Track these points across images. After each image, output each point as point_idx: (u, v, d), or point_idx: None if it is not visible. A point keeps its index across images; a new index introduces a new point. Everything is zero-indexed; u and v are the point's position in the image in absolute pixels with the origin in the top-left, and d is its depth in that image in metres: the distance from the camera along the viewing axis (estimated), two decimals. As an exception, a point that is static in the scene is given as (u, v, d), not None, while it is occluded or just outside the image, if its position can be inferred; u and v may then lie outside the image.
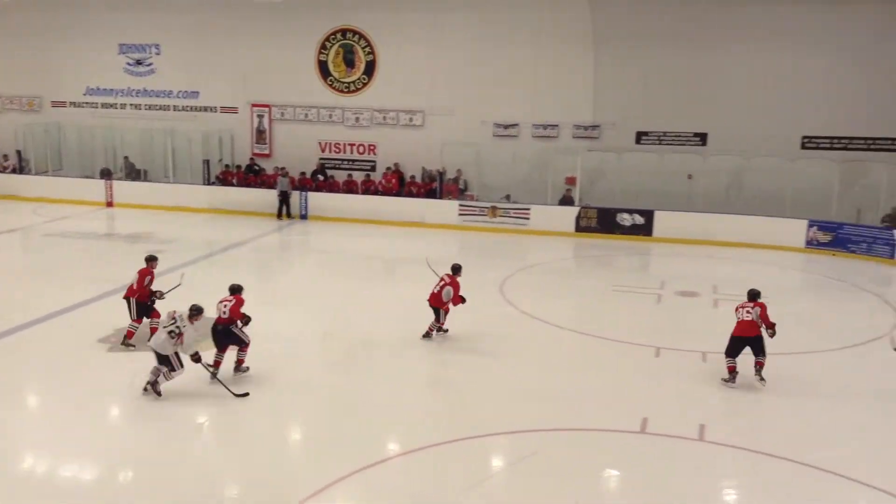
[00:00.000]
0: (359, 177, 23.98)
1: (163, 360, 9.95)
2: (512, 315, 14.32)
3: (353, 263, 18.48)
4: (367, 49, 23.96)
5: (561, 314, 14.22)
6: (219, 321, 10.62)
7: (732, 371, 10.91)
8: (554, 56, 22.47)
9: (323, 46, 24.29)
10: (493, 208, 21.58)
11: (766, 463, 8.86)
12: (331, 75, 24.43)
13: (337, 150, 24.70)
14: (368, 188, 23.48)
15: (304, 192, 23.16)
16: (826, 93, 20.70)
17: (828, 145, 20.99)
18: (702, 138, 21.89)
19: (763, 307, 10.95)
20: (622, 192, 21.11)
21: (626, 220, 20.71)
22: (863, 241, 18.54)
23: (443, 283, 12.43)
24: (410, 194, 22.89)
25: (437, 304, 12.48)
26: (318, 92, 24.50)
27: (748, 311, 10.94)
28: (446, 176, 22.95)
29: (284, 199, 22.97)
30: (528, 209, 21.30)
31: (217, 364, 10.64)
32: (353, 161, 24.62)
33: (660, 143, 22.17)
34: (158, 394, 9.98)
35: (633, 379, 11.28)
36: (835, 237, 18.87)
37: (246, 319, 10.73)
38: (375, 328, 13.32)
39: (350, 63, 24.20)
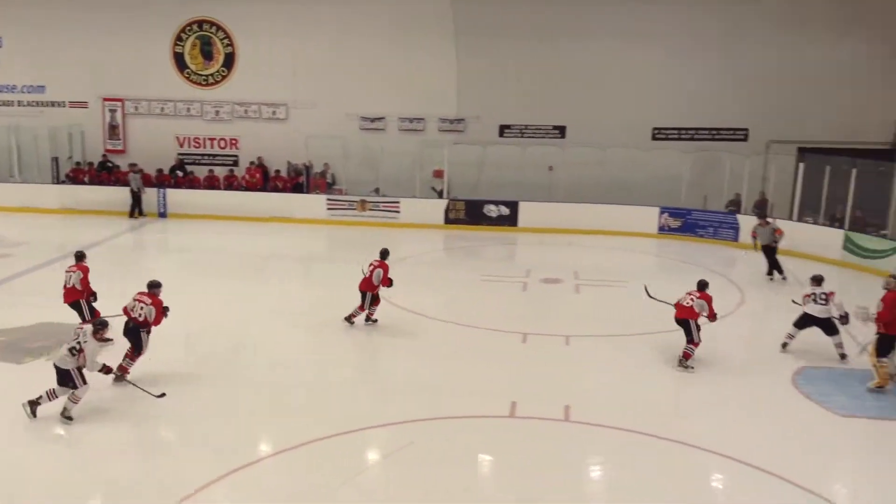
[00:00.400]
0: (221, 172, 23.28)
1: (63, 376, 9.23)
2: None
3: (217, 262, 17.93)
4: (226, 41, 23.27)
5: (432, 305, 14.38)
6: (134, 321, 10.29)
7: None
8: (417, 49, 22.64)
9: (179, 38, 23.40)
10: (363, 202, 21.53)
11: (631, 439, 9.31)
12: (188, 68, 23.57)
13: (197, 145, 23.88)
14: (231, 184, 22.85)
15: (162, 190, 22.26)
16: (674, 87, 21.93)
17: (676, 136, 22.28)
18: (561, 131, 22.68)
19: (709, 300, 11.49)
20: (488, 184, 21.57)
21: (492, 211, 21.16)
22: (709, 226, 19.78)
23: (372, 267, 12.66)
24: (276, 189, 22.47)
25: (367, 289, 12.67)
26: (174, 85, 23.57)
27: (691, 299, 11.51)
28: (313, 170, 22.68)
29: (136, 196, 21.98)
30: (397, 202, 21.39)
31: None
32: (215, 156, 23.87)
33: (522, 136, 22.79)
34: (34, 415, 9.27)
35: (503, 365, 11.57)
36: (684, 223, 20.04)
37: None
38: (243, 327, 13.02)
39: (208, 55, 23.44)
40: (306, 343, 12.39)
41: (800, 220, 18.84)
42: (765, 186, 20.15)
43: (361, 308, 12.86)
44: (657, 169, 21.08)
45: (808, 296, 12.06)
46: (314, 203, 21.78)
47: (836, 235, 17.64)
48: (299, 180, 22.60)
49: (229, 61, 23.37)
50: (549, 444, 9.15)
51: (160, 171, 23.08)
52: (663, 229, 20.25)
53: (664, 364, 11.84)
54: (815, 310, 11.92)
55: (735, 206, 20.10)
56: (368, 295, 12.82)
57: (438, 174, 21.97)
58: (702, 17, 21.54)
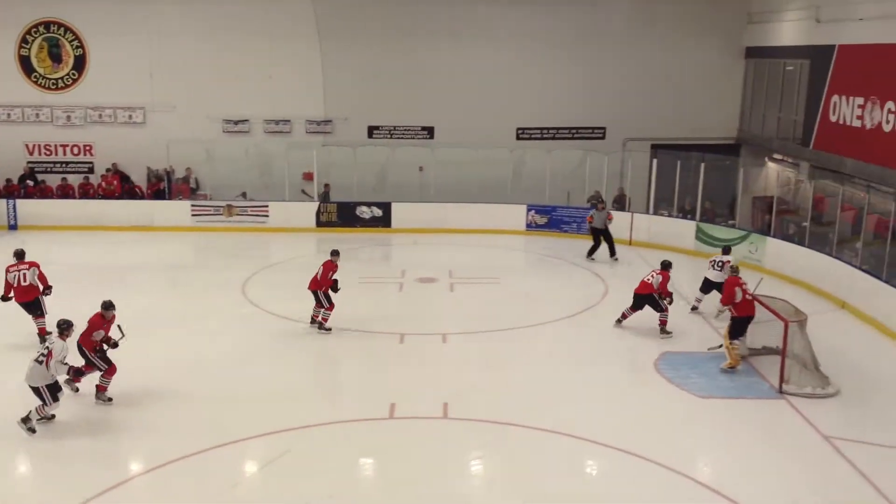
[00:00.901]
0: (75, 180, 22.02)
1: (35, 392, 9.18)
2: (256, 315, 14.06)
3: (71, 275, 16.94)
4: (76, 42, 22.04)
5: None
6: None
7: (624, 317, 13.23)
8: (281, 50, 22.25)
9: (24, 40, 21.95)
10: (229, 207, 20.94)
11: (507, 431, 9.58)
12: (35, 71, 22.16)
13: (48, 153, 22.49)
14: (87, 192, 21.68)
15: (10, 201, 20.84)
16: (536, 87, 22.61)
17: (539, 136, 23.00)
18: (429, 131, 22.93)
19: (665, 277, 12.91)
20: (360, 185, 21.49)
21: (365, 213, 21.11)
22: (574, 222, 20.54)
23: (324, 268, 12.84)
24: (135, 196, 21.51)
25: (315, 287, 12.84)
26: (20, 90, 22.08)
27: (652, 276, 12.94)
28: (175, 175, 21.86)
29: (-22, 209, 20.48)
30: (266, 206, 20.94)
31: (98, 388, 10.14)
32: (68, 163, 22.56)
33: (391, 137, 22.86)
34: (32, 430, 9.18)
35: (381, 367, 11.61)
36: (550, 219, 20.71)
37: (108, 340, 10.20)
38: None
39: (56, 58, 22.12)
40: (174, 355, 11.94)
41: (655, 212, 19.87)
42: (623, 182, 21.11)
43: (320, 306, 12.92)
44: (523, 167, 21.71)
45: (710, 262, 14.18)
46: (177, 210, 20.99)
47: (688, 226, 18.73)
48: (160, 186, 21.73)
49: (80, 64, 22.15)
50: (428, 443, 9.27)
51: (9, 180, 21.59)
52: (531, 226, 20.84)
53: (537, 356, 12.23)
54: (712, 275, 13.96)
55: (596, 201, 20.95)
56: (319, 293, 12.86)
57: (308, 177, 21.70)
58: (561, 20, 22.33)
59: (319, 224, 21.02)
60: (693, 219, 18.89)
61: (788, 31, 19.81)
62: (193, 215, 20.86)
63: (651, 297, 12.89)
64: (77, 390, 10.28)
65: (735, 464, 9.00)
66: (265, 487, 8.34)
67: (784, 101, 20.12)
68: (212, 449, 8.92)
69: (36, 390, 9.20)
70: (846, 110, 16.68)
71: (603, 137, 22.87)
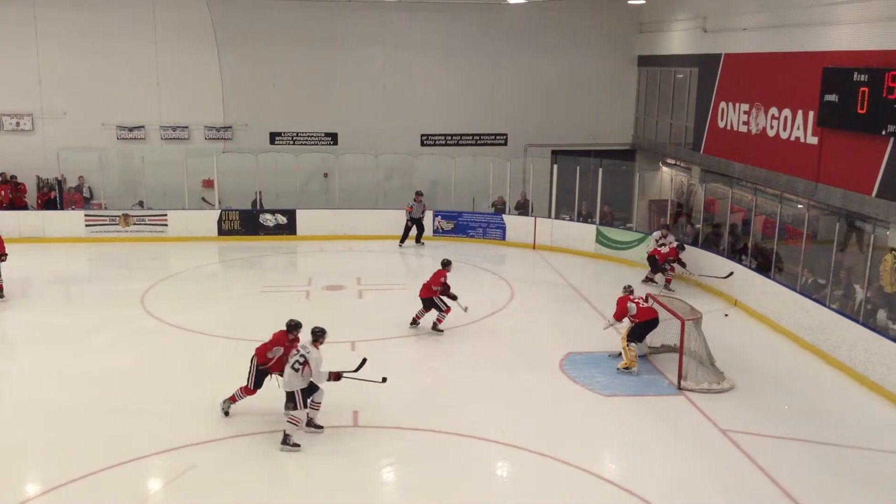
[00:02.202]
0: (-42, 190, 20.80)
1: (289, 398, 9.31)
2: (157, 328, 13.63)
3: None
4: (-45, 45, 20.86)
5: (210, 321, 13.88)
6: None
7: (416, 319, 13.55)
8: (177, 55, 21.70)
9: None
10: (125, 216, 20.20)
11: (415, 436, 9.63)
12: (-89, 76, 20.84)
13: (-73, 162, 21.17)
14: (-28, 202, 20.50)
15: None
16: (439, 94, 22.84)
17: (443, 142, 23.23)
18: (333, 138, 22.79)
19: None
20: (263, 192, 21.13)
21: (269, 220, 20.77)
22: (479, 227, 20.81)
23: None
24: (24, 206, 20.48)
25: (426, 294, 13.35)
26: None
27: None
28: (67, 184, 20.94)
29: None
30: (164, 215, 20.31)
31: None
32: (-51, 173, 21.29)
33: (294, 143, 22.60)
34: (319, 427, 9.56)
35: (289, 377, 11.43)
36: (456, 224, 20.91)
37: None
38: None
39: (-66, 61, 20.86)
40: (70, 371, 11.45)
41: (557, 217, 20.35)
42: (525, 187, 21.53)
43: (426, 310, 13.44)
44: (427, 173, 21.82)
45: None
46: (70, 220, 20.11)
47: (589, 230, 19.27)
48: (51, 196, 20.77)
49: (-40, 68, 20.97)
50: (339, 452, 9.21)
51: None
52: (437, 231, 20.98)
53: (444, 360, 12.34)
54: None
55: (500, 207, 21.30)
56: (434, 299, 13.30)
57: (208, 184, 21.18)
58: (462, 29, 22.63)
59: (221, 232, 20.54)
60: (593, 222, 19.45)
61: (678, 41, 20.69)
62: (87, 225, 20.04)
63: (431, 299, 13.32)
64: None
65: (638, 459, 9.33)
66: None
67: (675, 108, 20.98)
68: (113, 467, 8.62)
69: (290, 395, 9.28)
70: (733, 116, 17.54)
71: (505, 143, 23.30)
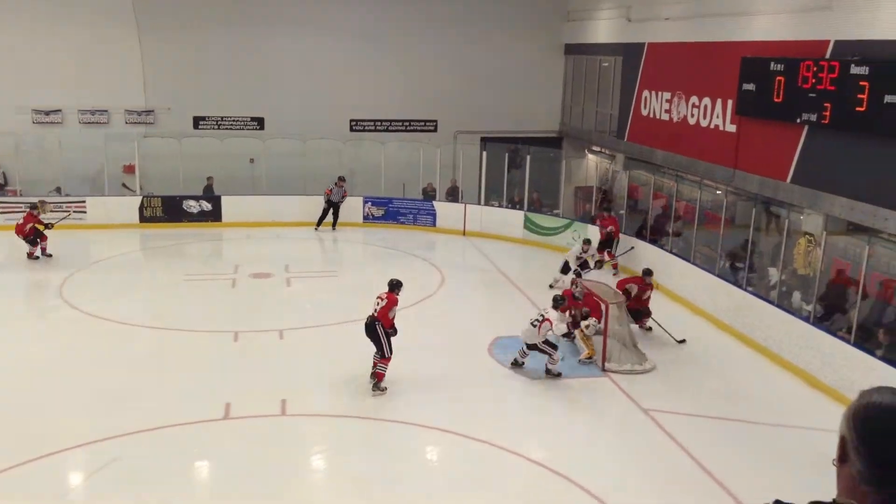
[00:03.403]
0: None
1: (531, 348, 11.06)
2: (76, 318, 13.23)
3: None
4: None
5: (132, 311, 13.55)
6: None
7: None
8: (96, 37, 20.92)
9: None
10: (42, 203, 19.44)
11: (348, 424, 9.62)
12: None
13: None
14: None
15: None
16: (368, 80, 22.63)
17: (373, 128, 23.08)
18: (259, 122, 22.40)
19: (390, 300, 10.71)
20: (186, 178, 20.63)
21: (193, 207, 20.31)
22: (410, 213, 20.81)
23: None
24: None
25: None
26: None
27: (378, 300, 10.76)
28: (-22, 170, 20.05)
29: None
30: (83, 202, 19.64)
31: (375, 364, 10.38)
32: None
33: (218, 128, 22.12)
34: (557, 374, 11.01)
35: (214, 367, 11.28)
36: (387, 211, 20.87)
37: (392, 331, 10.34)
38: None
39: None
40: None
41: (487, 203, 20.52)
42: (455, 174, 21.62)
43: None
44: (357, 160, 21.68)
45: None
46: (-18, 207, 19.28)
47: (517, 216, 19.48)
48: (-38, 182, 19.87)
49: None
50: (268, 441, 9.13)
51: None
52: (368, 218, 20.89)
53: (372, 347, 12.27)
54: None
55: (431, 193, 21.33)
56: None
57: (129, 170, 20.58)
58: (391, 13, 22.46)
59: (143, 219, 20.00)
60: (521, 209, 19.67)
61: (603, 29, 21.02)
62: (1, 213, 19.23)
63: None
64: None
65: (564, 440, 9.53)
66: (93, 498, 7.92)
67: (600, 96, 21.33)
68: (32, 461, 8.35)
69: (532, 347, 10.97)
70: (655, 105, 17.94)
71: (435, 130, 23.28)
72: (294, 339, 12.45)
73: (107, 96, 21.35)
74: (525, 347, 11.23)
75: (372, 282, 16.21)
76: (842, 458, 1.83)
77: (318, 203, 20.24)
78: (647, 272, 13.39)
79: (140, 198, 20.08)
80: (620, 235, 16.80)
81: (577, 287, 12.53)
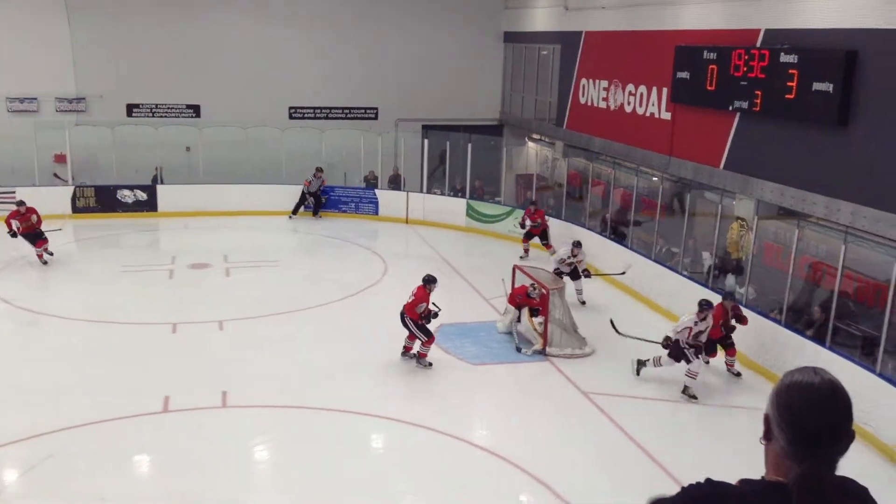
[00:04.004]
0: None
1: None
2: (7, 311, 12.82)
3: None
4: None
5: (67, 304, 13.19)
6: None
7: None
8: (23, 22, 20.22)
9: None
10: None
11: (289, 414, 9.56)
12: None
13: None
14: None
15: None
16: (306, 66, 22.37)
17: (312, 115, 22.81)
18: (195, 110, 21.95)
19: (417, 295, 10.97)
20: (120, 167, 20.12)
21: (127, 196, 19.83)
22: (351, 202, 20.69)
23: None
24: None
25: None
26: None
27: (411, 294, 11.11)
28: None
29: None
30: (13, 192, 18.92)
31: (406, 349, 11.16)
32: None
33: (153, 116, 21.61)
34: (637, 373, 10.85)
35: (152, 359, 11.07)
36: (328, 199, 20.70)
37: (427, 313, 10.80)
38: None
39: None
40: None
41: (429, 191, 20.53)
42: (396, 162, 21.56)
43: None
44: (296, 147, 21.39)
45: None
46: None
47: (460, 204, 19.55)
48: None
49: None
50: (206, 434, 9.02)
51: None
52: (308, 207, 20.69)
53: (318, 337, 12.25)
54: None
55: (372, 181, 21.24)
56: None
57: (60, 159, 19.96)
58: (330, 0, 22.23)
59: (76, 210, 19.45)
60: (464, 196, 19.74)
61: (541, 18, 21.17)
62: (-76, 204, 18.48)
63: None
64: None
65: (507, 424, 9.66)
66: (27, 495, 7.73)
67: (540, 84, 21.51)
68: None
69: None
70: (593, 93, 18.19)
71: (375, 118, 23.16)
72: (234, 331, 12.29)
73: (36, 83, 20.67)
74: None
75: (314, 271, 16.20)
76: (767, 436, 1.92)
77: (258, 192, 19.99)
78: (728, 295, 11.12)
79: (72, 188, 19.51)
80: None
81: (534, 289, 12.12)
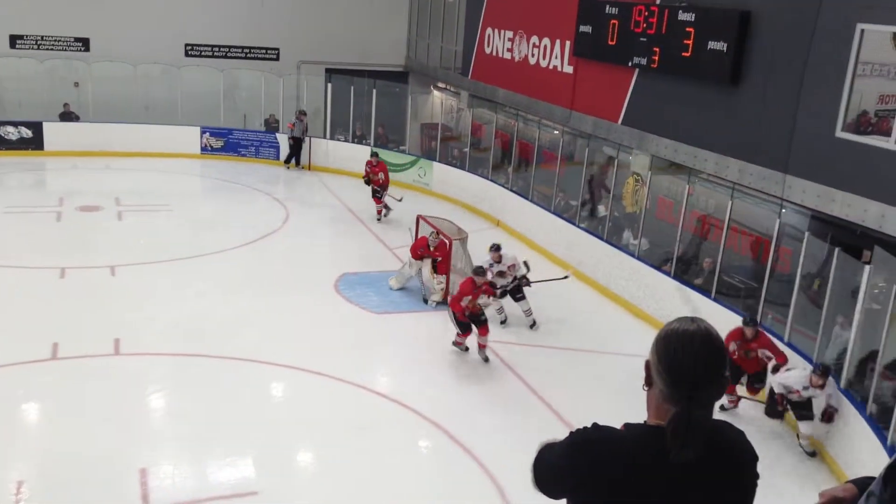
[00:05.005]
0: None
1: None
2: None
3: None
4: None
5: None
6: None
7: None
8: None
9: None
10: None
11: (185, 362, 9.38)
12: None
13: None
14: None
15: None
16: (205, 2, 21.41)
17: (210, 53, 21.89)
18: (84, 43, 20.73)
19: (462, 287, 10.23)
20: (3, 102, 18.88)
21: (11, 133, 18.68)
22: (251, 145, 20.16)
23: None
24: None
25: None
26: None
27: None
28: None
29: None
30: None
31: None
32: None
33: (38, 48, 20.30)
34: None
35: (39, 305, 10.63)
36: (226, 142, 20.10)
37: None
38: None
39: None
40: None
41: (332, 137, 20.21)
42: (298, 105, 21.06)
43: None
44: (193, 87, 20.54)
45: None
46: None
47: (364, 151, 19.32)
48: None
49: None
50: (97, 382, 8.77)
51: None
52: (206, 149, 20.04)
53: (216, 284, 12.00)
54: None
55: (273, 125, 20.72)
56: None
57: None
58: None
59: (-46, 147, 18.23)
60: (368, 144, 19.53)
61: (449, -36, 20.92)
62: None
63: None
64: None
65: (408, 371, 9.80)
66: None
67: (445, 32, 21.35)
68: None
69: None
70: (498, 43, 18.18)
71: (277, 59, 22.45)
72: (127, 277, 11.90)
73: None
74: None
75: (211, 217, 15.78)
76: (648, 382, 2.04)
77: (154, 132, 19.21)
78: (749, 321, 9.02)
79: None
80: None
81: (434, 237, 11.88)
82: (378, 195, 15.75)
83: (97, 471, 7.15)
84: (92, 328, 9.94)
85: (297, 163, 19.60)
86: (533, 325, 11.26)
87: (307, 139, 19.66)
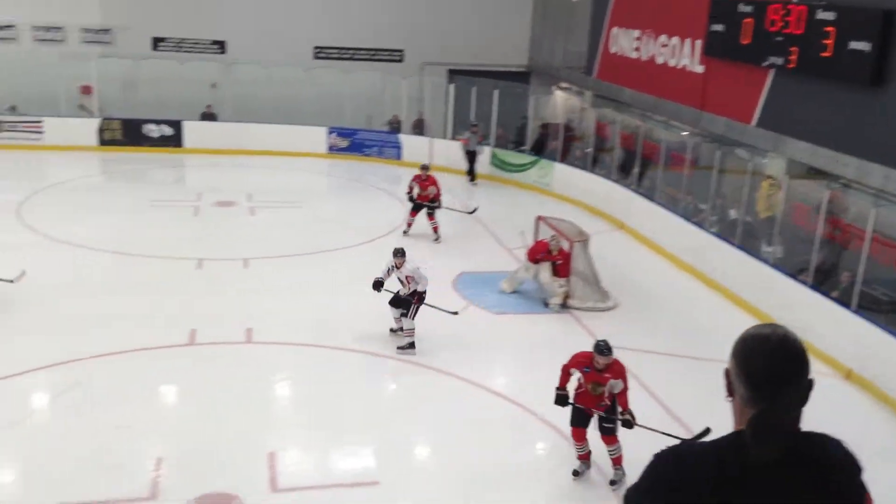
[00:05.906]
0: None
1: None
2: (34, 242, 12.99)
3: None
4: None
5: (95, 235, 13.32)
6: None
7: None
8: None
9: None
10: (-3, 123, 18.84)
11: (313, 353, 9.69)
12: None
13: None
14: None
15: None
16: (334, 5, 22.04)
17: (337, 56, 22.54)
18: (221, 46, 21.78)
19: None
20: (146, 101, 20.08)
21: (153, 131, 19.85)
22: (375, 146, 20.59)
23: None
24: None
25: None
26: None
27: None
28: (-74, 86, 19.25)
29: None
30: (40, 122, 19.06)
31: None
32: None
33: (179, 50, 21.47)
34: None
35: (178, 293, 11.22)
36: (352, 142, 20.62)
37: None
38: None
39: None
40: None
41: (453, 138, 20.36)
42: (421, 106, 21.36)
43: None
44: (321, 88, 21.18)
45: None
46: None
47: (485, 152, 19.40)
48: None
49: None
50: (231, 368, 9.18)
51: None
52: (332, 149, 20.64)
53: (335, 279, 12.31)
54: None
55: (395, 125, 21.09)
56: None
57: (87, 90, 19.95)
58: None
59: (103, 143, 19.52)
60: (489, 144, 19.57)
61: (576, -36, 20.68)
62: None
63: None
64: None
65: (526, 373, 9.74)
66: (53, 421, 7.94)
67: (570, 32, 21.12)
68: (-7, 385, 8.31)
69: None
70: (624, 42, 17.85)
71: (401, 60, 22.88)
72: (258, 269, 12.41)
73: (62, 12, 20.54)
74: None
75: (336, 214, 16.22)
76: (729, 390, 2.02)
77: (283, 132, 19.94)
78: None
79: (99, 120, 19.54)
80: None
81: (555, 242, 11.77)
82: (430, 212, 14.43)
83: (230, 452, 7.49)
84: (226, 317, 10.41)
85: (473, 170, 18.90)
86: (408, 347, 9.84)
87: (481, 151, 18.98)
